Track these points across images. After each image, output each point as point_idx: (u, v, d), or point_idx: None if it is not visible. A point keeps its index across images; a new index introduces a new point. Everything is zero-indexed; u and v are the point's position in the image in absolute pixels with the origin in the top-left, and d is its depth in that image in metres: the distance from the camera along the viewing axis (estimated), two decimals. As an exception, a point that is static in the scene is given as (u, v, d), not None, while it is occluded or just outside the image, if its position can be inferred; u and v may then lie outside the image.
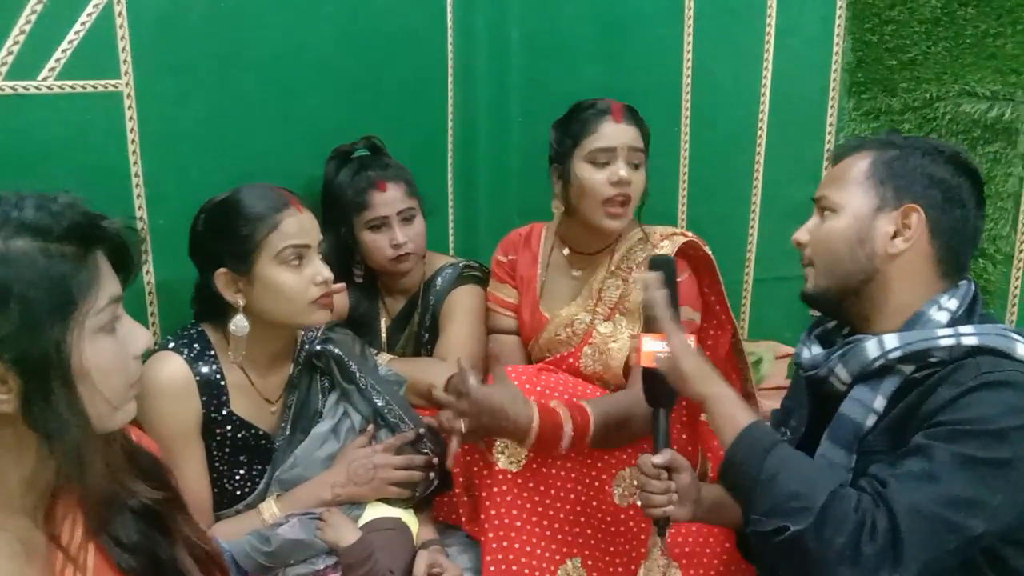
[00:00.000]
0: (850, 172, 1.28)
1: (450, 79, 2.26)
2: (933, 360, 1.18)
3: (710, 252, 1.78)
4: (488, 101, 2.30)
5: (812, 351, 1.32)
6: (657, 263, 1.44)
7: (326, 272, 1.53)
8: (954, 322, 1.20)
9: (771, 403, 2.09)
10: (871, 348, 1.20)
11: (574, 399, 1.61)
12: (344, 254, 1.99)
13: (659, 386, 1.39)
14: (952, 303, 1.22)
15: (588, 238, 1.83)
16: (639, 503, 1.38)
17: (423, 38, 2.20)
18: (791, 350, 2.30)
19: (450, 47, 2.23)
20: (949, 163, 1.24)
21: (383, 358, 1.90)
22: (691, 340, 1.37)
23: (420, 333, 2.05)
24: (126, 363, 0.94)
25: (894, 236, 1.23)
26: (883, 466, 1.14)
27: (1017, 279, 2.10)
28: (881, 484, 1.12)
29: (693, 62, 2.28)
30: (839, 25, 2.17)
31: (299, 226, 1.51)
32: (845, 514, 1.08)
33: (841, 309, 1.33)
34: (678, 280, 1.65)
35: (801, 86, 2.25)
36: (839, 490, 1.11)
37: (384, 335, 2.07)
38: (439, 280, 2.03)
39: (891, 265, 1.24)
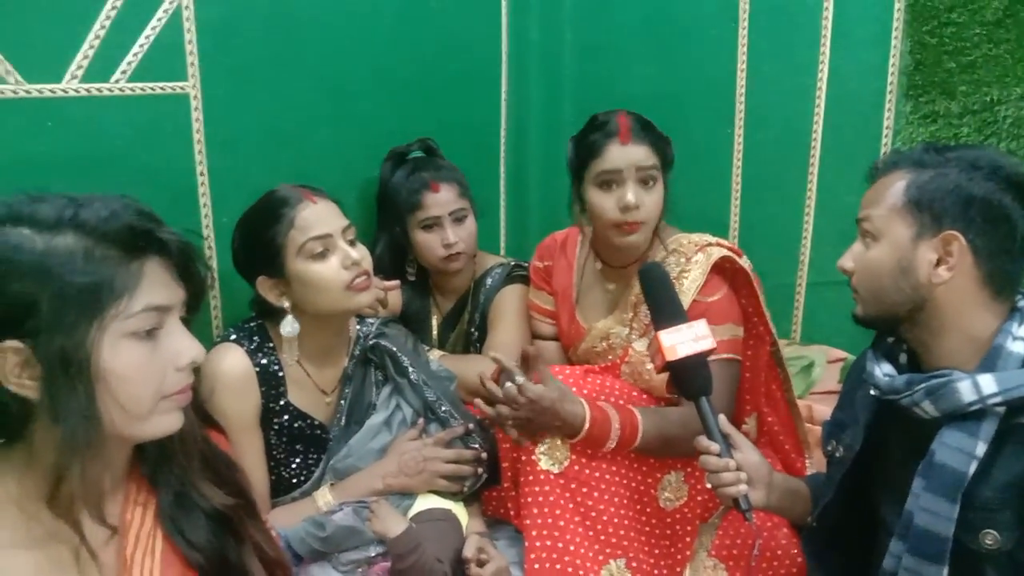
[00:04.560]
0: (886, 195, 1.24)
1: (503, 81, 2.28)
2: None
3: (747, 264, 1.72)
4: (541, 102, 2.32)
5: (883, 369, 1.28)
6: (647, 275, 1.46)
7: (355, 254, 1.55)
8: None
9: (824, 408, 2.08)
10: (966, 391, 1.15)
11: (626, 404, 1.61)
12: (398, 253, 2.04)
13: (691, 375, 1.37)
14: None
15: (614, 254, 1.78)
16: (710, 486, 1.37)
17: (477, 41, 2.22)
18: (843, 354, 2.28)
19: (504, 49, 2.25)
20: (989, 179, 1.19)
21: (435, 354, 1.94)
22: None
23: (470, 331, 2.08)
24: (159, 373, 0.94)
25: (937, 264, 1.20)
26: None
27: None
28: None
29: (748, 63, 2.26)
30: (896, 27, 2.14)
31: (315, 217, 1.54)
32: None
33: (895, 333, 1.30)
34: (710, 300, 1.64)
35: (857, 88, 2.22)
36: None
37: (435, 332, 2.11)
38: (489, 280, 2.06)
39: (938, 293, 1.20)
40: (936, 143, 1.29)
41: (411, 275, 2.07)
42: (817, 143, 2.29)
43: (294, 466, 1.63)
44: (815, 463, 1.83)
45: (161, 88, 1.70)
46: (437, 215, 1.96)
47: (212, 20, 1.73)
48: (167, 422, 0.97)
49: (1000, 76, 2.03)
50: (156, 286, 0.93)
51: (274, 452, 1.61)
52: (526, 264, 2.07)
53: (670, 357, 1.36)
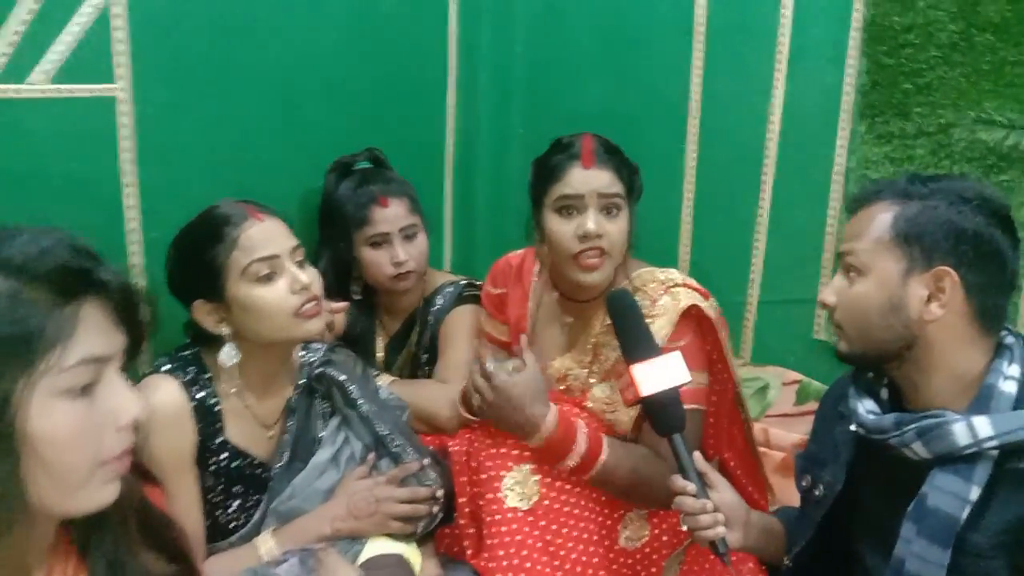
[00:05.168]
0: (871, 228, 1.20)
1: (451, 93, 2.21)
2: None
3: (713, 310, 1.63)
4: (490, 116, 2.26)
5: (866, 406, 1.24)
6: (616, 302, 1.44)
7: (304, 278, 1.42)
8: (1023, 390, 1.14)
9: (780, 431, 2.06)
10: (960, 433, 1.11)
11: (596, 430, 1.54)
12: (342, 270, 1.93)
13: (665, 411, 1.33)
14: (1015, 369, 1.16)
15: (574, 288, 1.66)
16: (685, 528, 1.31)
17: (426, 51, 2.16)
18: (798, 376, 2.25)
19: (452, 62, 2.18)
20: (978, 213, 1.15)
21: (384, 379, 1.83)
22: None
23: (418, 353, 1.98)
24: (98, 435, 0.80)
25: (928, 300, 1.16)
26: None
27: (1036, 312, 2.06)
28: None
29: (703, 80, 2.23)
30: (853, 47, 2.13)
31: (261, 236, 1.41)
32: None
33: (881, 371, 1.26)
34: (680, 344, 1.54)
35: (812, 107, 2.21)
36: None
37: (381, 354, 2.01)
38: (439, 299, 1.97)
39: (928, 330, 1.17)
40: (921, 173, 1.25)
41: (356, 293, 1.96)
42: (770, 161, 2.27)
43: (232, 509, 1.48)
44: (777, 503, 1.79)
45: (90, 91, 1.56)
46: (386, 231, 1.86)
47: (147, 18, 1.61)
48: (102, 494, 0.83)
49: (955, 99, 2.03)
50: (93, 334, 0.79)
51: (210, 495, 1.46)
52: (478, 283, 1.96)
53: (644, 392, 1.32)
